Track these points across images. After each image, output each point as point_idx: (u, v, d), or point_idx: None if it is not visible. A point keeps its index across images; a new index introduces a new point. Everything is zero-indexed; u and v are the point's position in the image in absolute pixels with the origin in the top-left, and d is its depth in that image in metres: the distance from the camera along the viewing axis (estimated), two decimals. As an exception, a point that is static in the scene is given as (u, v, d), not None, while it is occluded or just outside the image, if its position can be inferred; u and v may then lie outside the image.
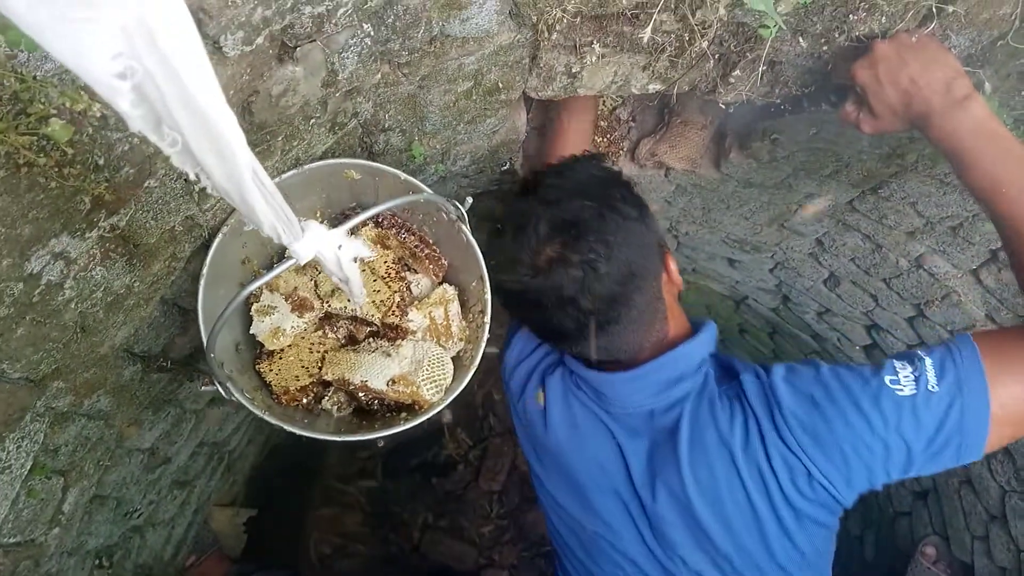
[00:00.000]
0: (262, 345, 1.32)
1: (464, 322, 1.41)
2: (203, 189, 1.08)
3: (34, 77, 0.66)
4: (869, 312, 2.05)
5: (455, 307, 1.41)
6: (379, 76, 1.17)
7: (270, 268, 1.38)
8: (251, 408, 1.18)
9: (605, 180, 1.16)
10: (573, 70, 1.32)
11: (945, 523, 2.09)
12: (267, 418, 1.18)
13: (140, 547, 1.68)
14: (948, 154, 1.03)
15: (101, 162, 0.82)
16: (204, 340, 1.13)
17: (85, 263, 0.94)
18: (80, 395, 1.13)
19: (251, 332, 1.31)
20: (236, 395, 1.16)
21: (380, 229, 1.42)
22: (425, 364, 1.31)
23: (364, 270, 1.36)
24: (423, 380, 1.29)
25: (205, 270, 1.17)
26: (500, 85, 1.35)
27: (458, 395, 1.30)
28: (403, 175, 1.30)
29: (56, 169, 0.76)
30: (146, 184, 0.93)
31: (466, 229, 1.34)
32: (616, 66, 1.32)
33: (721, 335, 2.95)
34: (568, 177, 1.15)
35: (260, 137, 1.08)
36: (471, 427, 3.54)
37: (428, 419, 1.27)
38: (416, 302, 1.40)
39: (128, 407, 1.30)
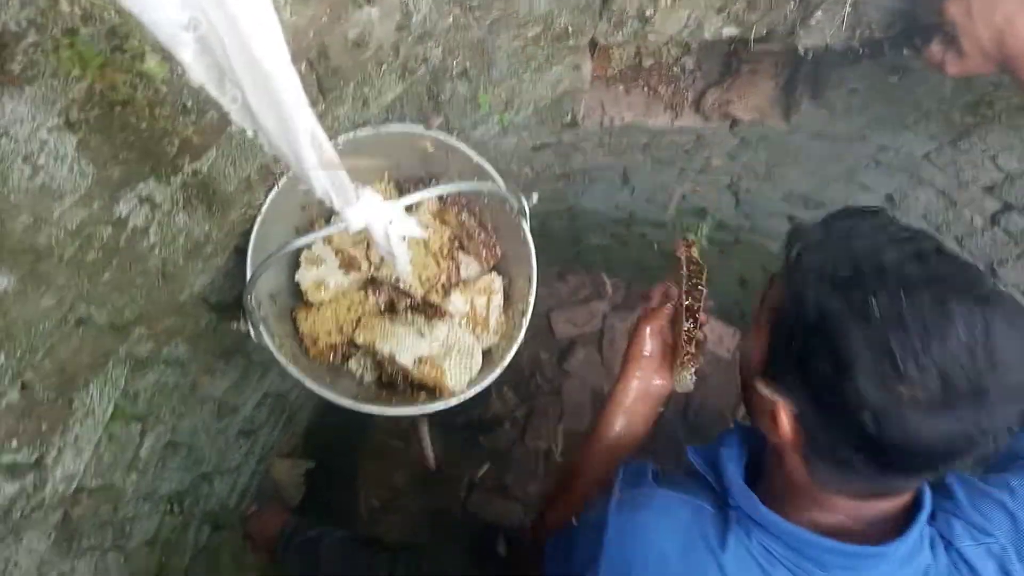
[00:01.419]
0: (302, 295, 1.32)
1: (504, 317, 1.39)
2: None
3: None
4: (938, 271, 1.99)
5: (498, 299, 1.39)
6: (450, 19, 1.15)
7: (328, 218, 1.38)
8: (277, 355, 1.17)
9: None
10: (646, 13, 1.28)
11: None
12: (290, 369, 1.18)
13: (208, 494, 1.73)
14: None
15: (189, 104, 0.81)
16: (248, 277, 1.13)
17: (169, 208, 0.94)
18: (159, 342, 1.15)
19: (296, 279, 1.30)
20: (265, 339, 1.16)
21: (442, 204, 1.40)
22: (455, 351, 1.29)
23: (418, 242, 1.34)
24: (450, 367, 1.28)
25: (264, 208, 1.16)
26: (570, 30, 1.31)
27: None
28: (476, 157, 1.28)
29: (148, 109, 0.75)
30: (227, 130, 0.93)
31: (525, 226, 1.31)
32: (690, 8, 1.28)
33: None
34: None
35: (334, 83, 1.07)
36: (518, 386, 3.55)
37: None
38: (461, 285, 1.38)
39: (203, 355, 1.32)
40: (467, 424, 3.45)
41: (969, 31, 1.01)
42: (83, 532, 1.17)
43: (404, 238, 1.02)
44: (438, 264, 1.34)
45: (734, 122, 1.73)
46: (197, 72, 0.60)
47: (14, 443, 0.92)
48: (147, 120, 0.77)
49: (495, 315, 1.37)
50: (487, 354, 1.36)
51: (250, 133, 0.69)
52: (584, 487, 1.15)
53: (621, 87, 1.75)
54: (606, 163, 2.02)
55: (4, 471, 0.93)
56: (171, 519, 1.55)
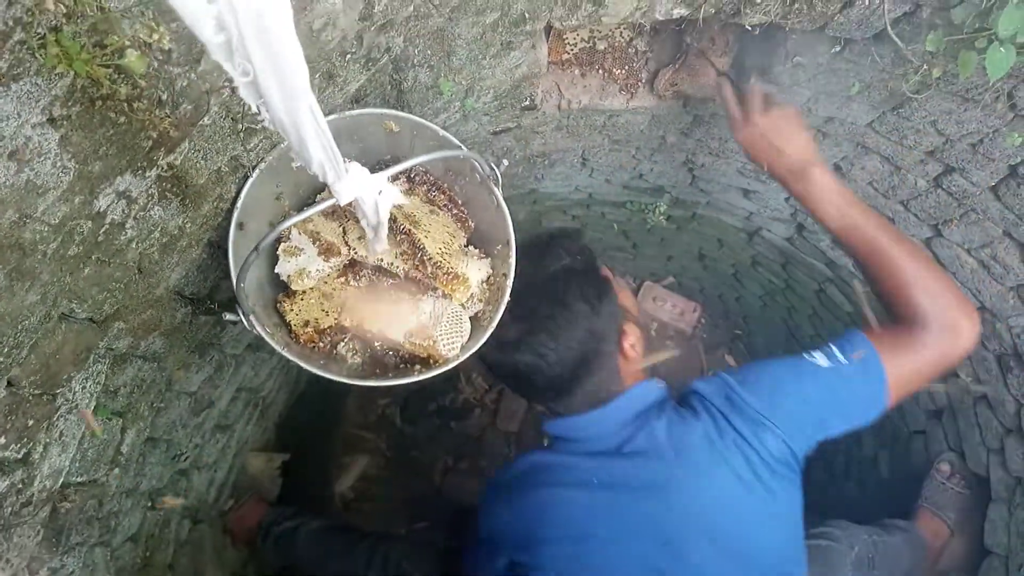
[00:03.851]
0: (284, 286, 1.34)
1: (486, 284, 1.43)
2: (247, 129, 1.10)
3: (109, 8, 0.68)
4: (885, 235, 2.08)
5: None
6: (411, 8, 1.18)
7: (301, 209, 1.39)
8: (270, 342, 1.20)
9: (567, 274, 1.35)
10: (600, -3, 1.32)
11: (960, 439, 2.15)
12: (285, 354, 1.21)
13: (187, 489, 1.73)
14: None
15: (164, 97, 0.83)
16: (232, 272, 1.15)
17: (144, 203, 0.96)
18: (137, 336, 1.16)
19: (276, 271, 1.32)
20: (257, 328, 1.18)
21: (411, 184, 1.43)
22: (444, 320, 1.32)
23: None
24: (441, 335, 1.31)
25: (240, 203, 1.18)
26: (526, 15, 1.35)
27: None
28: (442, 131, 1.31)
29: (126, 103, 0.77)
30: (200, 122, 0.95)
31: (497, 191, 1.34)
32: (642, -9, 1.33)
33: (734, 269, 3.00)
34: (537, 266, 1.36)
35: (300, 74, 1.09)
36: (487, 372, 3.60)
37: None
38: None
39: (178, 350, 1.33)
40: (439, 411, 3.48)
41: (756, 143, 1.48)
42: (71, 528, 1.18)
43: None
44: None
45: (687, 100, 1.79)
46: (215, 48, 0.63)
47: (2, 439, 0.93)
48: (126, 115, 0.79)
49: (476, 283, 1.40)
50: (474, 320, 1.39)
51: (254, 107, 0.72)
52: None
53: (577, 70, 1.79)
54: (565, 145, 2.06)
55: (-7, 468, 0.94)
56: (153, 514, 1.56)
